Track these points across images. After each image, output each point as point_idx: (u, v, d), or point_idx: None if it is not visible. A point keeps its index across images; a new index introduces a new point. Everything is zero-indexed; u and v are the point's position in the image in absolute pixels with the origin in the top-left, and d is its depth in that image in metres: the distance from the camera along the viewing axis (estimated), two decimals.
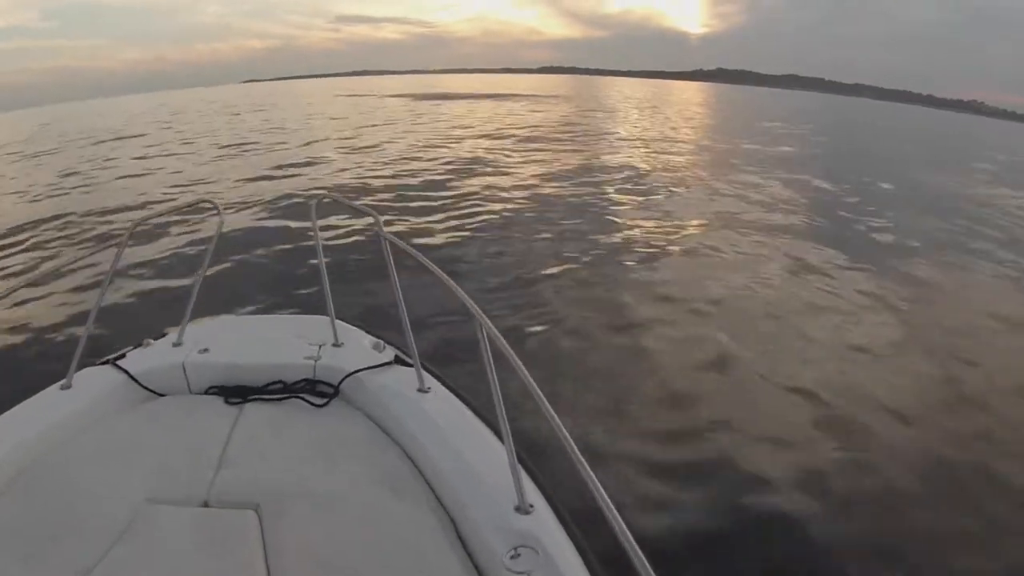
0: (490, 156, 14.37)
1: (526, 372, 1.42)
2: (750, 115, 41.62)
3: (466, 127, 21.77)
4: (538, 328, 4.98)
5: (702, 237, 8.15)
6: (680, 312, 5.48)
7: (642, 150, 17.26)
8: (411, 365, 2.08)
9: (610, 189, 10.97)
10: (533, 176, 11.82)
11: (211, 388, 2.13)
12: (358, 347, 2.28)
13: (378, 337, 2.39)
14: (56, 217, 9.09)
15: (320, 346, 2.24)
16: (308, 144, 17.04)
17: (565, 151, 15.87)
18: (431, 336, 4.32)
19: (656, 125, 26.80)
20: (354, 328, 2.45)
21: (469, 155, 14.39)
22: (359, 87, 74.36)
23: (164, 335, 2.34)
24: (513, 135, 19.31)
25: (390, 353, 2.24)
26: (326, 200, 2.59)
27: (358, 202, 2.84)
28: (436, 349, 4.18)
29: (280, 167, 12.81)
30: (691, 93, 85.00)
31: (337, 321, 2.35)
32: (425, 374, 2.04)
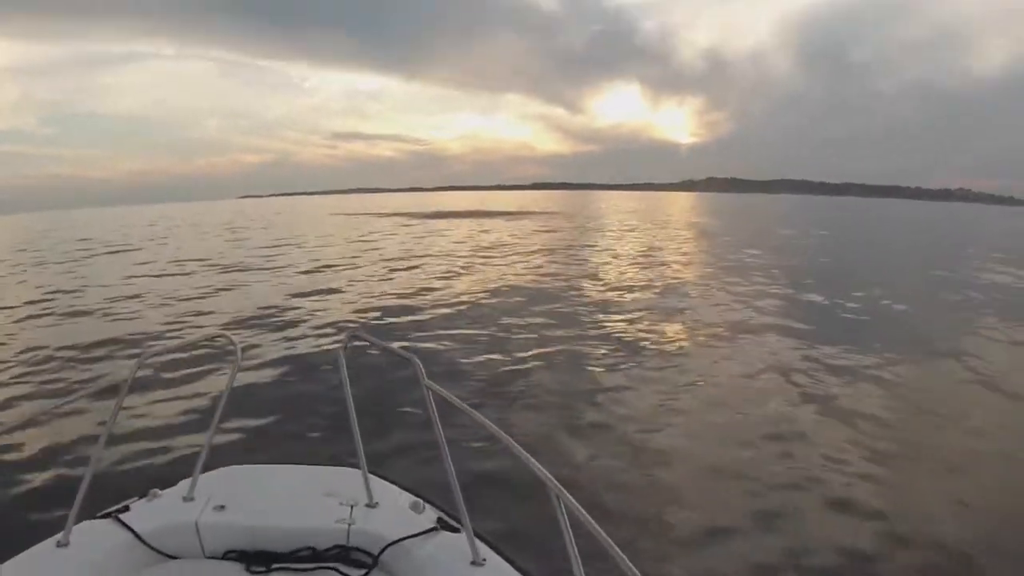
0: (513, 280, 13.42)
1: (620, 552, 1.22)
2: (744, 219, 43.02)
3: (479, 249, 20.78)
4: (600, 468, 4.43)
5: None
6: None
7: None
8: (457, 530, 1.86)
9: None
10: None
11: (229, 552, 1.89)
12: (395, 507, 2.02)
13: (417, 496, 2.12)
14: (59, 342, 8.32)
15: (352, 506, 1.98)
16: (319, 270, 15.66)
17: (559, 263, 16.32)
18: (482, 497, 3.56)
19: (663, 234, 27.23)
20: (389, 484, 2.18)
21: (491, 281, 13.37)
22: (363, 205, 77.06)
23: (174, 486, 2.08)
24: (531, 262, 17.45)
25: (431, 515, 1.98)
26: (356, 339, 2.30)
27: (394, 343, 2.52)
28: (487, 512, 3.50)
29: (297, 294, 11.85)
30: (683, 202, 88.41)
31: (370, 475, 2.11)
32: (478, 543, 1.77)
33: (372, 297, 11.53)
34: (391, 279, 13.71)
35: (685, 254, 19.67)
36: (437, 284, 12.88)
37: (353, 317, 9.76)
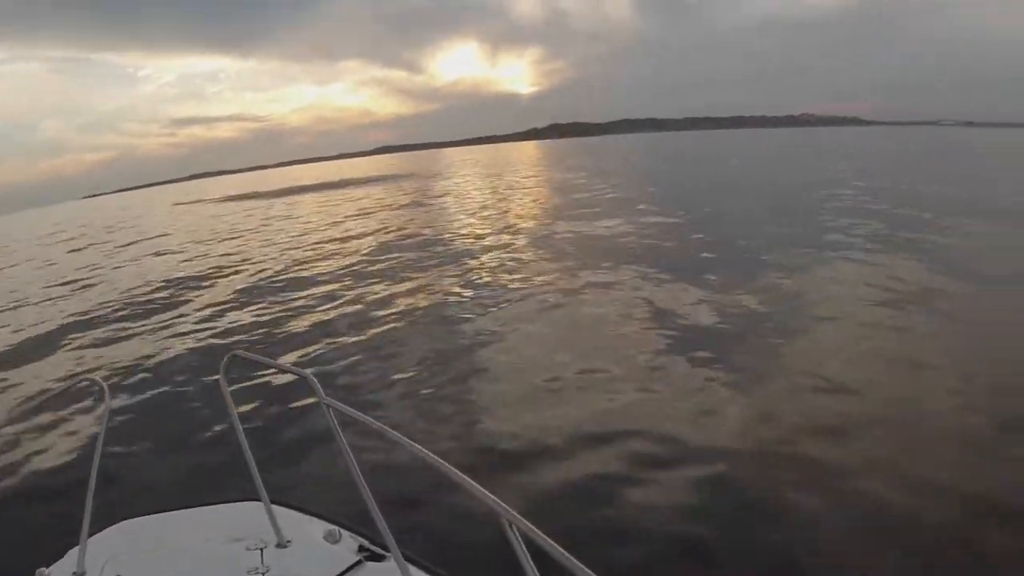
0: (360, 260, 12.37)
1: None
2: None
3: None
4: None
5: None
6: None
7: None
8: (383, 557, 1.68)
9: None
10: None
11: None
12: (310, 542, 1.80)
13: (330, 522, 1.89)
14: None
15: (262, 548, 1.70)
16: (174, 276, 12.94)
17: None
18: (407, 519, 3.38)
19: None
20: (297, 514, 1.95)
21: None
22: (206, 190, 70.49)
23: (61, 559, 1.83)
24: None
25: (351, 544, 1.78)
26: (237, 358, 1.99)
27: (283, 358, 1.94)
28: (413, 534, 3.46)
29: (151, 310, 10.14)
30: (526, 151, 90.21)
31: (274, 507, 1.85)
32: (411, 567, 1.54)
33: (236, 302, 10.02)
34: (252, 274, 12.12)
35: (530, 202, 20.73)
36: (296, 272, 11.81)
37: (227, 329, 8.42)
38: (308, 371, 1.66)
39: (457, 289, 8.88)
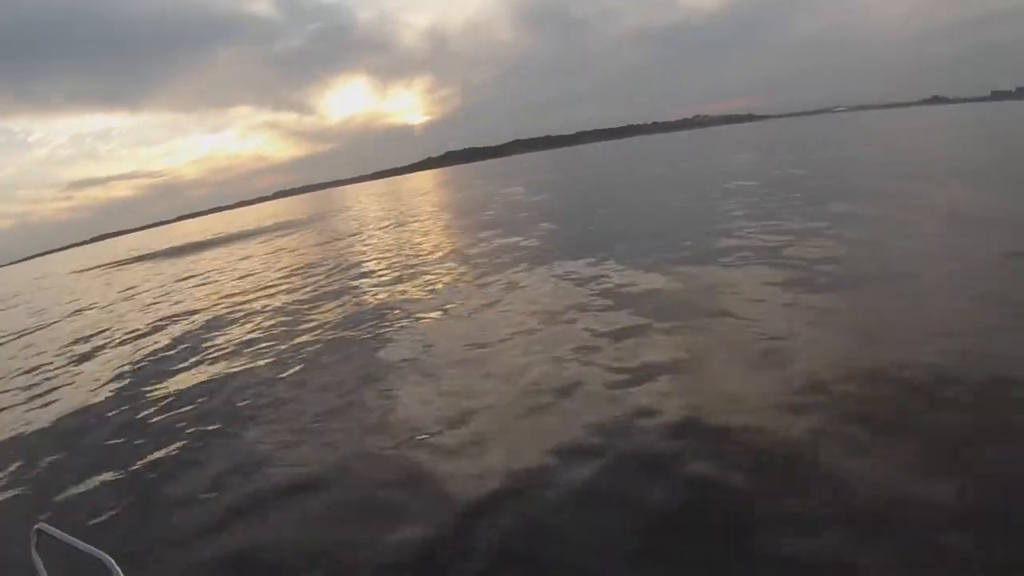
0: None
1: None
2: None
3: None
4: None
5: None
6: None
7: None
8: None
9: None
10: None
11: None
12: None
13: None
14: None
15: None
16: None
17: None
18: None
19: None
20: None
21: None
22: (103, 254, 64.85)
23: None
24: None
25: None
26: (43, 533, 1.77)
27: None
28: None
29: None
30: (421, 181, 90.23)
31: None
32: None
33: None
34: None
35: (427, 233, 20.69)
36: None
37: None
38: (106, 556, 1.55)
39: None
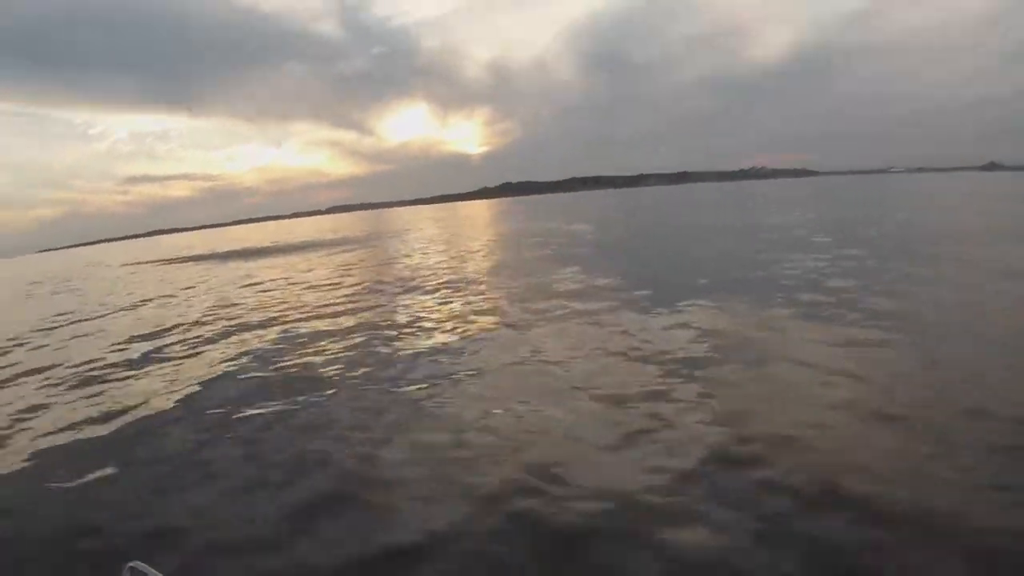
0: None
1: None
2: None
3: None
4: None
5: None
6: None
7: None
8: None
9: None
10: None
11: None
12: None
13: None
14: None
15: None
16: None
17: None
18: None
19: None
20: None
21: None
22: (158, 249, 65.83)
23: None
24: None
25: None
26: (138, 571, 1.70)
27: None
28: None
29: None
30: (476, 210, 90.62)
31: None
32: None
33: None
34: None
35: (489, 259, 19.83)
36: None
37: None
38: None
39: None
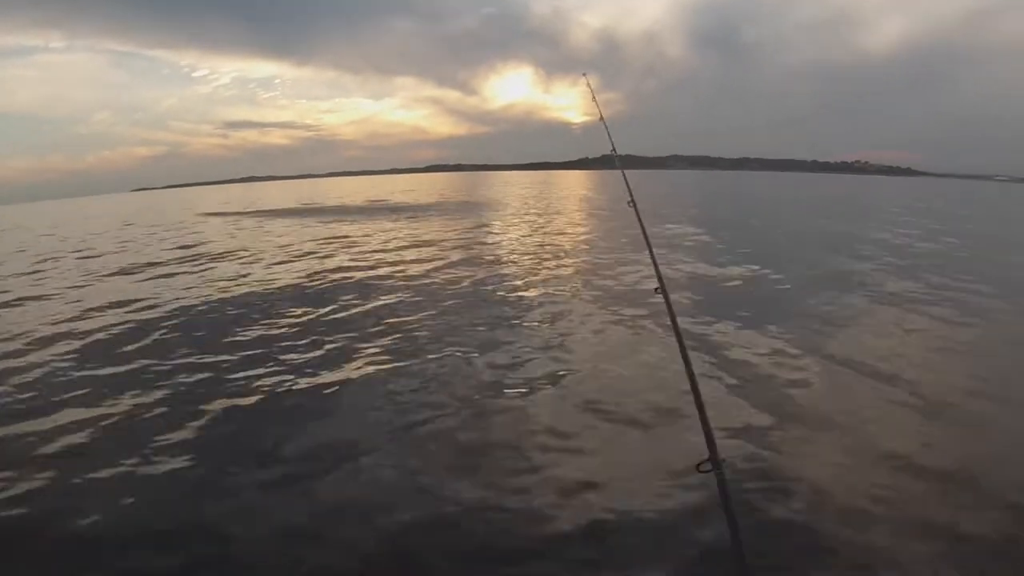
0: None
1: None
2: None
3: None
4: None
5: None
6: None
7: None
8: None
9: None
10: None
11: None
12: None
13: None
14: None
15: None
16: None
17: None
18: None
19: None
20: None
21: None
22: (249, 198, 63.76)
23: None
24: None
25: None
26: None
27: None
28: None
29: None
30: (576, 180, 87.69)
31: None
32: None
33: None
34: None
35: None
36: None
37: None
38: None
39: None
